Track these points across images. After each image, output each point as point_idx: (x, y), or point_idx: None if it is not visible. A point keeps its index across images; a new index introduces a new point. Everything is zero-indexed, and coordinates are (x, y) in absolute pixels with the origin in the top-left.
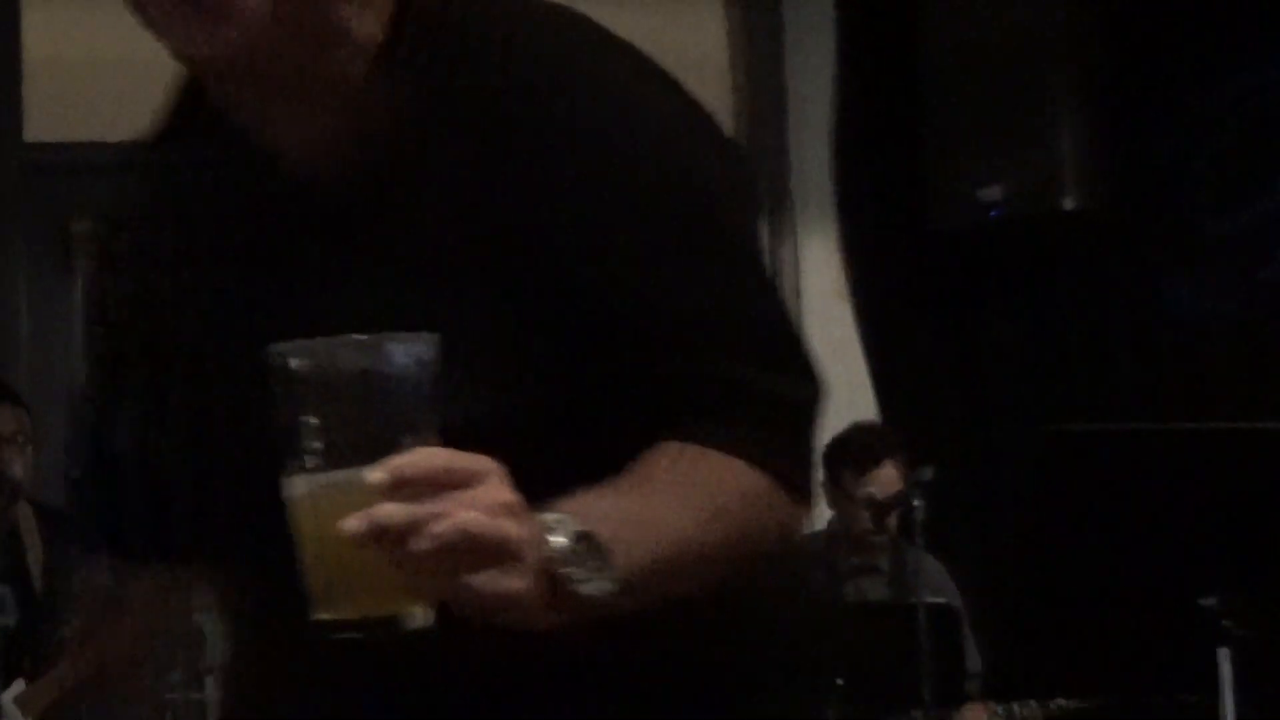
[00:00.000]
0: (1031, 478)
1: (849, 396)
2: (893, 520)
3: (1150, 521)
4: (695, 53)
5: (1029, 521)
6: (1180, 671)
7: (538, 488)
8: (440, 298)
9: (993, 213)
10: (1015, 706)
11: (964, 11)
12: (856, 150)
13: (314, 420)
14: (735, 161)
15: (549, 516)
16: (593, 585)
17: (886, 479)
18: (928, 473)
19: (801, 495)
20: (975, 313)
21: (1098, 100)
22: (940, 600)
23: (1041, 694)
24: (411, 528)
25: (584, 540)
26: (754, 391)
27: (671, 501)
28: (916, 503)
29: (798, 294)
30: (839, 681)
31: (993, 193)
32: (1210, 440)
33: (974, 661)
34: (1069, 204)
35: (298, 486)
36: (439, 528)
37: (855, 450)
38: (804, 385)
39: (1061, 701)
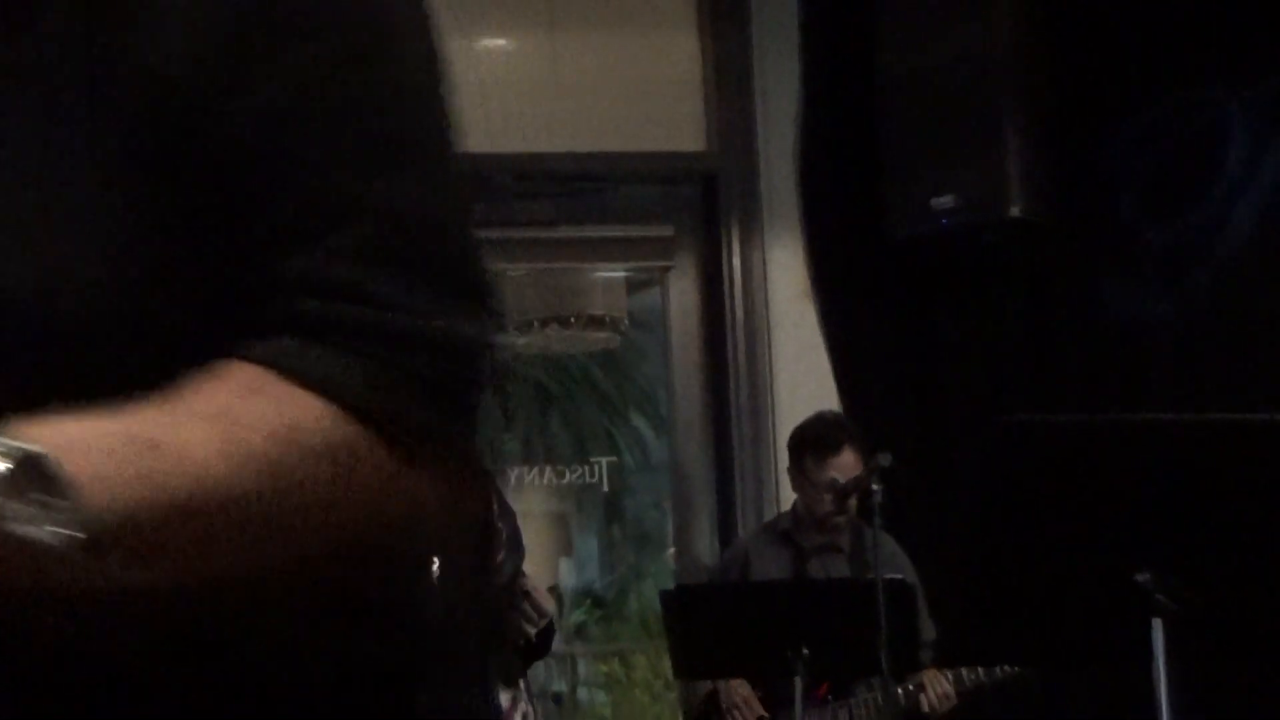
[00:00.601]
0: (981, 464)
1: (815, 391)
2: (853, 503)
3: (1090, 504)
4: (670, 72)
5: (979, 504)
6: (1117, 642)
7: (102, 388)
8: (43, 123)
9: (945, 220)
10: (964, 672)
11: (918, 37)
12: (820, 162)
13: None
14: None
15: None
16: (40, 528)
17: (847, 464)
18: (886, 459)
19: (439, 458)
20: (930, 312)
21: (1042, 117)
22: (897, 576)
23: (989, 661)
24: None
25: (31, 466)
26: (376, 312)
27: (198, 439)
28: (875, 487)
29: (765, 296)
30: (805, 651)
31: (945, 202)
32: (1145, 430)
33: (928, 631)
34: (1015, 212)
35: None
36: None
37: (818, 437)
38: (460, 319)
39: (1007, 668)
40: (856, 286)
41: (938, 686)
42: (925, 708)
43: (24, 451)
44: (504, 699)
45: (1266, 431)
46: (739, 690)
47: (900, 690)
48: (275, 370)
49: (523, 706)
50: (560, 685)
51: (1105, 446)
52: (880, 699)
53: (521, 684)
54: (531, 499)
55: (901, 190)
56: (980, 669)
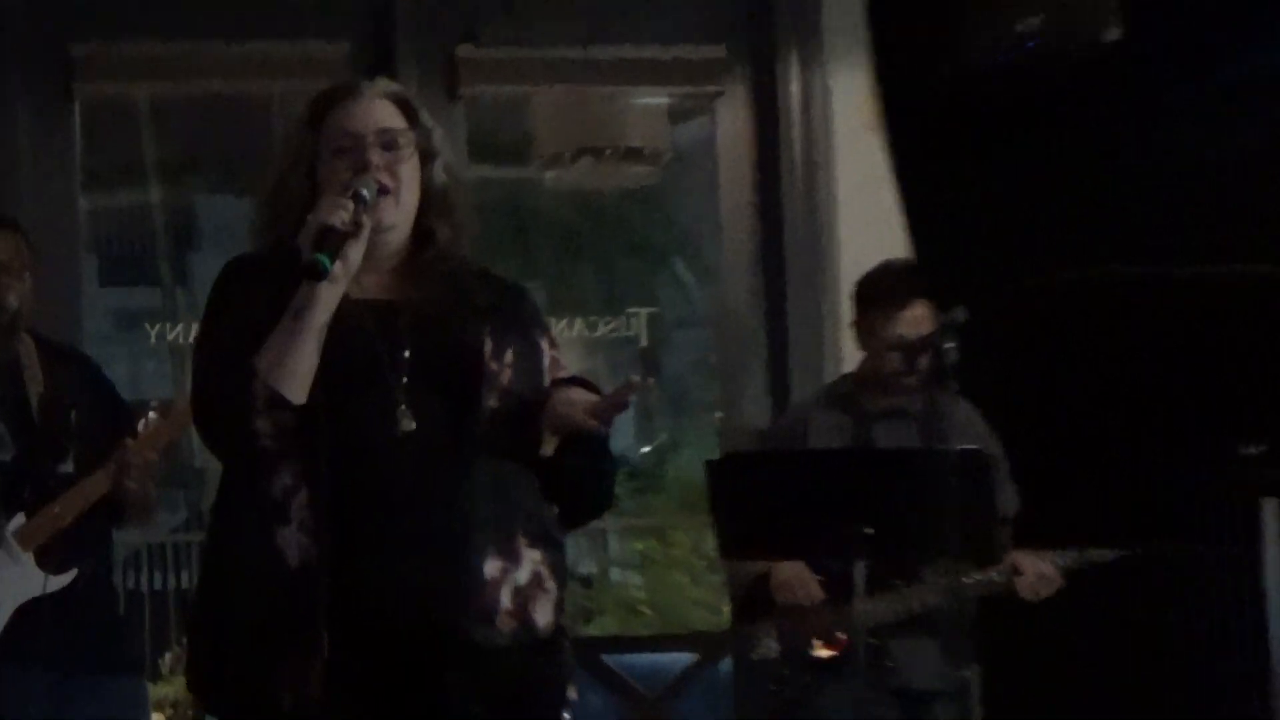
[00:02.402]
0: (1067, 321)
1: (880, 235)
2: (924, 363)
3: (1192, 368)
4: None
5: (1064, 365)
6: (1222, 522)
7: None
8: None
9: (1030, 44)
10: (1053, 555)
11: None
12: None
13: None
14: None
15: None
16: None
17: (917, 319)
18: (960, 314)
19: None
20: (1010, 150)
21: None
22: (972, 447)
23: (1076, 543)
24: None
25: None
26: None
27: None
28: (948, 344)
29: (827, 126)
30: (868, 531)
31: (1032, 23)
32: (1256, 286)
33: (1009, 505)
34: (1111, 35)
35: None
36: None
37: (884, 289)
38: None
39: (1099, 551)
40: (928, 119)
41: (1037, 567)
42: (1024, 592)
43: None
44: (491, 566)
45: None
46: (795, 572)
47: (991, 576)
48: None
49: (522, 577)
50: (589, 566)
51: (1207, 303)
52: (952, 584)
53: (537, 552)
54: (566, 356)
55: (982, 10)
56: (1070, 552)
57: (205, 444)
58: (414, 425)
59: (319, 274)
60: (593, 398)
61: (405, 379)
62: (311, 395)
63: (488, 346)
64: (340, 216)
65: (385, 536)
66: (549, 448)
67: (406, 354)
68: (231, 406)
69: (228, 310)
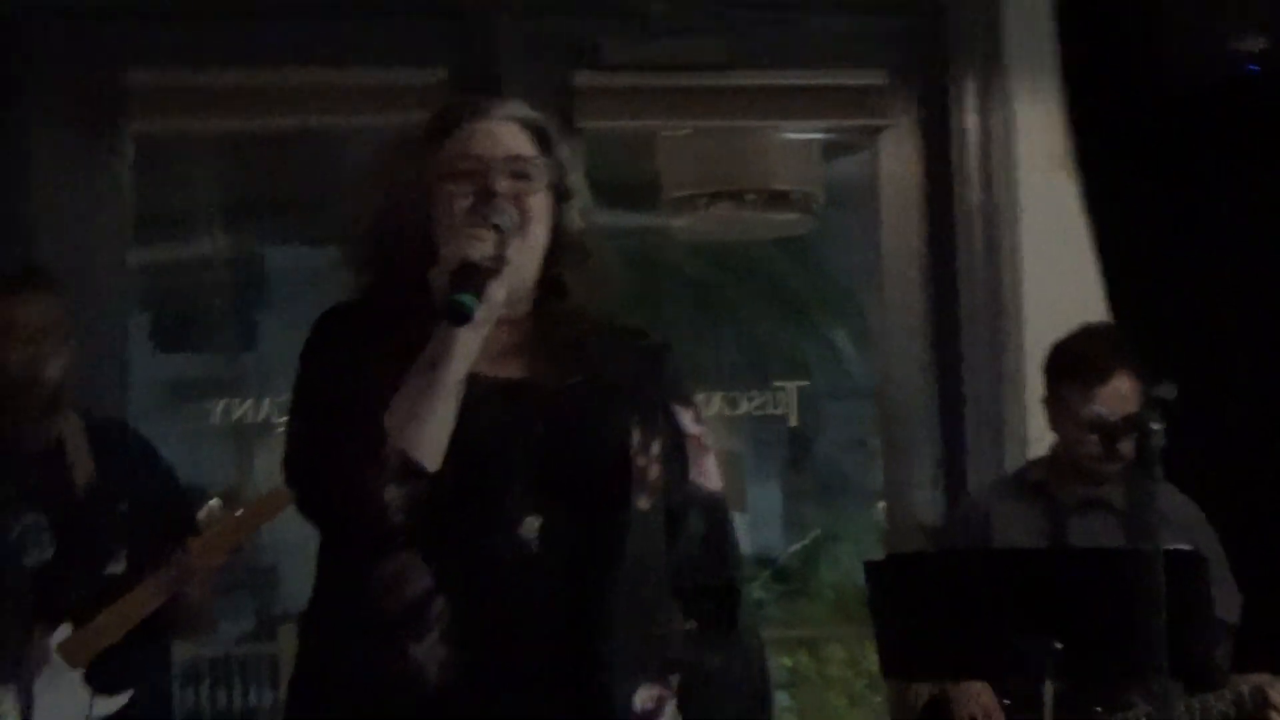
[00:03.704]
0: None
1: (1072, 292)
2: (1127, 446)
3: None
4: None
5: None
6: None
7: None
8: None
9: (1252, 66)
10: None
11: None
12: None
13: None
14: None
15: None
16: None
17: (1119, 395)
18: (1170, 390)
19: None
20: (1228, 192)
21: None
22: (1184, 547)
23: None
24: None
25: None
26: None
27: None
28: (1155, 425)
29: (1009, 166)
30: (1057, 646)
31: (1252, 42)
32: None
33: (1229, 614)
34: None
35: None
36: None
37: (1081, 360)
38: None
39: None
40: (1129, 155)
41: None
42: None
43: None
44: (645, 696)
45: None
46: (978, 698)
47: (1213, 703)
48: None
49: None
50: None
51: None
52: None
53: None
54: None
55: (1189, 30)
56: None
57: (314, 522)
58: (536, 534)
59: (463, 317)
60: None
61: (536, 475)
62: (440, 483)
63: (635, 438)
64: (481, 250)
65: (519, 659)
66: None
67: (539, 445)
68: (358, 474)
69: (335, 365)
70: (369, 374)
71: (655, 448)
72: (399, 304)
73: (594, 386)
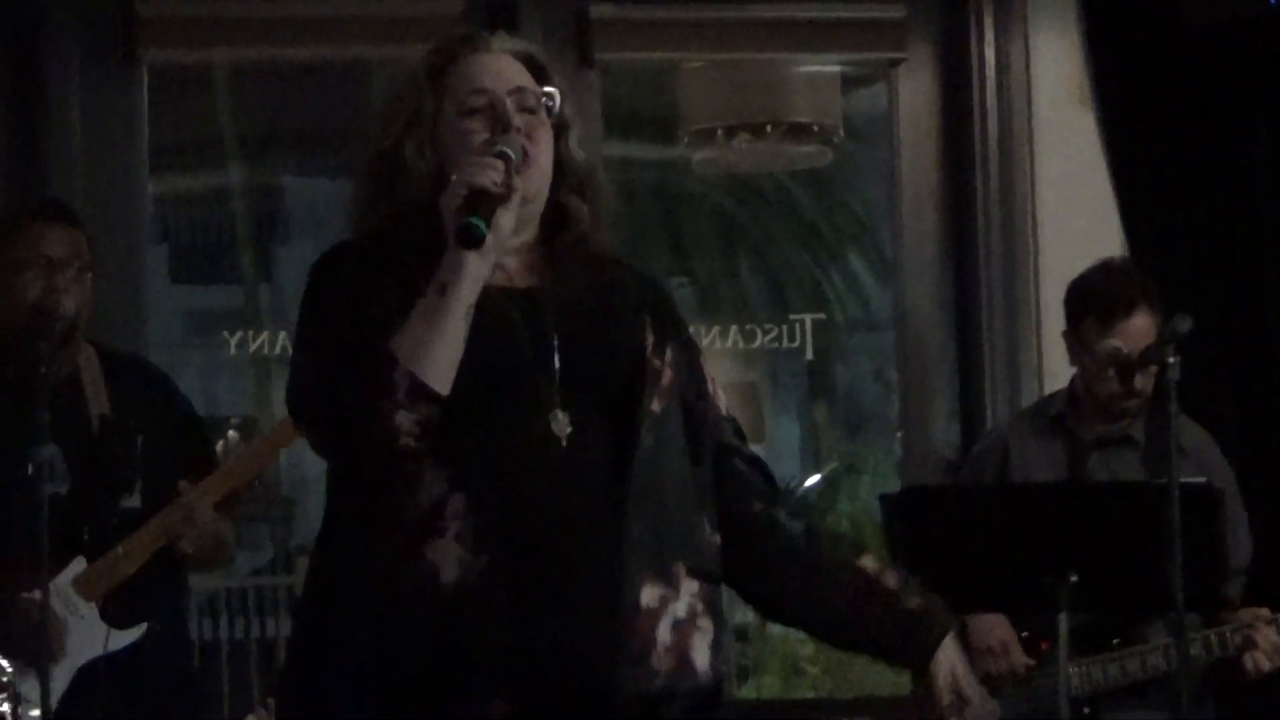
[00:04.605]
0: None
1: (1090, 229)
2: (1145, 381)
3: None
4: None
5: None
6: None
7: None
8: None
9: (1272, 0)
10: None
11: None
12: None
13: None
14: None
15: None
16: None
17: (1138, 331)
18: (1186, 323)
19: None
20: (1243, 126)
21: None
22: (1199, 480)
23: None
24: None
25: None
26: None
27: None
28: (1172, 359)
29: (1028, 100)
30: (1073, 578)
31: None
32: None
33: (1241, 554)
34: None
35: None
36: None
37: (1100, 296)
38: None
39: None
40: (1148, 91)
41: (1272, 639)
42: (1250, 666)
43: None
44: (650, 595)
45: None
46: (995, 630)
47: (1212, 636)
48: None
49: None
50: (745, 615)
51: None
52: (1174, 647)
53: (695, 584)
54: (712, 367)
55: None
56: None
57: (323, 452)
58: (569, 429)
59: (475, 240)
60: None
61: (557, 377)
62: (455, 393)
63: (649, 341)
64: (491, 177)
65: (539, 556)
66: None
67: (556, 348)
68: (367, 399)
69: (341, 299)
70: (377, 304)
71: (669, 354)
72: (409, 236)
73: (606, 294)
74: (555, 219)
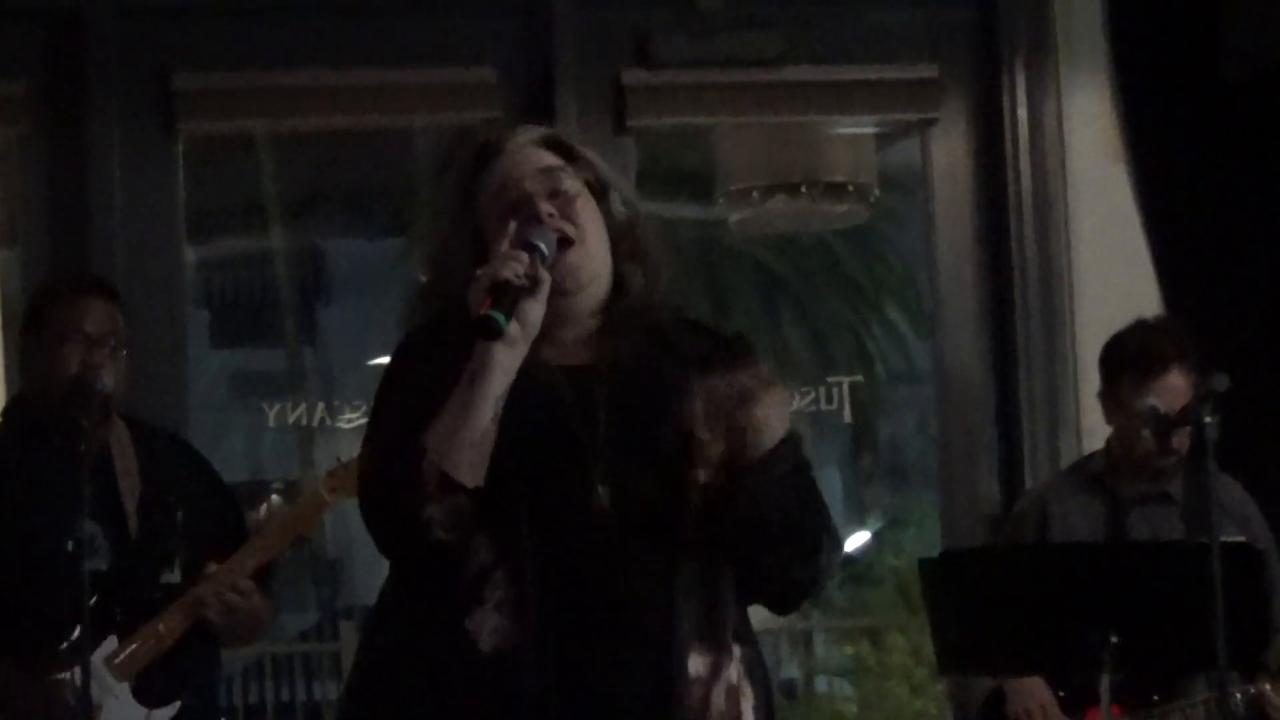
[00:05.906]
0: None
1: (1126, 285)
2: (1182, 439)
3: None
4: None
5: None
6: None
7: None
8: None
9: None
10: None
11: None
12: None
13: None
14: None
15: None
16: None
17: (1174, 389)
18: (1222, 382)
19: None
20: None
21: None
22: (1239, 539)
23: None
24: None
25: None
26: None
27: None
28: (1208, 418)
29: (1061, 157)
30: (1113, 639)
31: None
32: None
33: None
34: None
35: None
36: None
37: (1135, 353)
38: None
39: None
40: (1182, 144)
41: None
42: None
43: None
44: (698, 663)
45: None
46: (1035, 694)
47: (1251, 689)
48: None
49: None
50: (791, 671)
51: None
52: (1214, 706)
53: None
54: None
55: (1243, 16)
56: None
57: (376, 542)
58: (607, 504)
59: (492, 332)
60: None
61: (604, 451)
62: (503, 469)
63: (698, 412)
64: (513, 270)
65: (584, 625)
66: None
67: (602, 422)
68: (398, 494)
69: (397, 388)
70: (424, 394)
71: (719, 424)
72: (452, 327)
73: (654, 362)
74: (615, 286)
